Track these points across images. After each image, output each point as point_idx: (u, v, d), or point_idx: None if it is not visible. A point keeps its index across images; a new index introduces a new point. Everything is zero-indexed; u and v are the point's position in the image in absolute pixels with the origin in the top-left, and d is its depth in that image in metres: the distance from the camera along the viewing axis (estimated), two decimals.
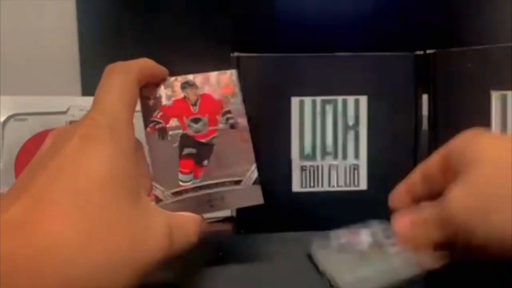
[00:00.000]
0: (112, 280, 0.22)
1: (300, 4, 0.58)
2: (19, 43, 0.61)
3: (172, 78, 0.32)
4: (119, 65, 0.29)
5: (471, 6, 0.58)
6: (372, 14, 0.57)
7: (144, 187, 0.29)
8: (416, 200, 0.31)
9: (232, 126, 0.32)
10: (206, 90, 0.32)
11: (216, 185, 0.31)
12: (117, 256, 0.22)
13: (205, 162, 0.31)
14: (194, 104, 0.32)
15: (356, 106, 0.42)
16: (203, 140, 0.32)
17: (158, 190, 0.30)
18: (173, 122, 0.32)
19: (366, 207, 0.39)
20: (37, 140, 0.45)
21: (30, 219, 0.21)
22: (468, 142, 0.27)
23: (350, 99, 0.42)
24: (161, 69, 0.32)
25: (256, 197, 0.31)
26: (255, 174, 0.31)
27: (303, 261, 0.32)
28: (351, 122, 0.42)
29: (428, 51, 0.42)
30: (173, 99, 0.32)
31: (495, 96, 0.40)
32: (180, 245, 0.27)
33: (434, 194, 0.29)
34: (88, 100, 0.47)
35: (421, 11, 0.57)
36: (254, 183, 0.31)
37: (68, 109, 0.45)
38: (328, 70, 0.42)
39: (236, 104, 0.32)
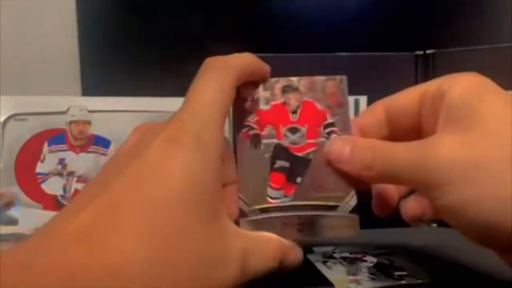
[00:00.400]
0: None
1: (300, 4, 0.58)
2: (19, 43, 0.61)
3: (273, 80, 0.29)
4: (218, 61, 0.26)
5: (471, 6, 0.57)
6: (372, 14, 0.57)
7: (226, 201, 0.25)
8: None
9: None
10: (310, 96, 0.29)
11: (308, 207, 0.27)
12: (185, 283, 0.20)
13: (298, 179, 0.28)
14: (294, 112, 0.29)
15: (356, 106, 0.42)
16: (299, 154, 0.28)
17: (243, 203, 0.27)
18: (268, 130, 0.28)
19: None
20: (37, 140, 0.45)
21: (98, 232, 0.19)
22: (474, 95, 0.24)
23: (350, 99, 0.41)
24: (264, 68, 0.29)
25: (352, 228, 0.27)
26: (354, 201, 0.27)
27: (302, 260, 0.32)
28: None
29: (428, 51, 0.42)
30: (271, 103, 0.29)
31: None
32: (256, 270, 0.24)
33: (394, 138, 0.27)
34: (88, 100, 0.47)
35: (421, 11, 0.57)
36: (352, 211, 0.27)
37: (68, 109, 0.45)
38: (328, 70, 0.42)
39: (341, 116, 0.28)
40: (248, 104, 0.28)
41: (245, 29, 0.58)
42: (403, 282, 0.28)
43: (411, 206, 0.28)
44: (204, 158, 0.22)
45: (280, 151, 0.28)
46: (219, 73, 0.25)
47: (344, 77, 0.29)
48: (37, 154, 0.45)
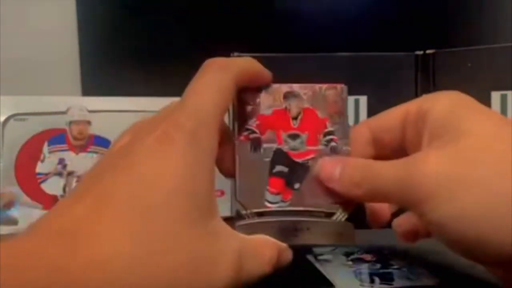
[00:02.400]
0: None
1: (300, 4, 0.58)
2: (19, 43, 0.61)
3: (276, 85, 0.29)
4: (218, 62, 0.25)
5: (471, 6, 0.58)
6: (372, 14, 0.57)
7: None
8: None
9: (333, 150, 0.28)
10: (311, 104, 0.29)
11: (305, 213, 0.27)
12: (172, 281, 0.20)
13: (297, 185, 0.28)
14: (295, 118, 0.29)
15: (356, 106, 0.42)
16: (298, 160, 0.28)
17: (240, 206, 0.27)
18: (269, 134, 0.28)
19: None
20: (37, 140, 0.45)
21: (86, 228, 0.19)
22: (455, 112, 0.24)
23: (350, 99, 0.42)
24: (265, 73, 0.29)
25: (347, 236, 0.28)
26: (350, 210, 0.28)
27: (303, 261, 0.32)
28: (351, 122, 0.42)
29: (428, 51, 0.42)
30: (273, 108, 0.28)
31: (495, 96, 0.40)
32: (250, 273, 0.23)
33: (381, 158, 0.27)
34: (88, 100, 0.47)
35: (421, 11, 0.57)
36: (348, 219, 0.28)
37: (68, 109, 0.45)
38: (328, 70, 0.42)
39: (341, 125, 0.28)
40: (249, 108, 0.28)
41: (245, 29, 0.58)
42: (407, 283, 0.28)
43: (401, 223, 0.29)
44: (198, 158, 0.22)
45: (279, 156, 0.28)
46: (218, 74, 0.25)
47: (345, 87, 0.29)
48: (37, 154, 0.45)
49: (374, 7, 0.57)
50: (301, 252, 0.34)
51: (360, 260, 0.32)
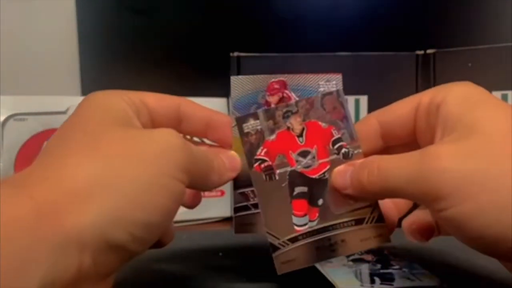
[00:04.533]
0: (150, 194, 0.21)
1: (300, 4, 0.58)
2: (19, 43, 0.61)
3: (272, 108, 0.28)
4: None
5: (471, 6, 0.58)
6: (373, 14, 0.57)
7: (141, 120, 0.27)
8: None
9: (346, 156, 0.28)
10: (312, 116, 0.28)
11: (335, 226, 0.27)
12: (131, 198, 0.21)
13: (320, 201, 0.28)
14: (300, 135, 0.28)
15: (356, 106, 0.42)
16: (314, 176, 0.28)
17: (272, 237, 0.27)
18: (279, 159, 0.28)
19: None
20: (37, 140, 0.45)
21: (50, 155, 0.22)
22: (468, 105, 0.24)
23: (350, 99, 0.42)
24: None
25: (382, 237, 0.27)
26: (378, 211, 0.27)
27: None
28: None
29: (428, 51, 0.42)
30: (276, 132, 0.28)
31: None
32: (199, 181, 0.25)
33: (390, 150, 0.27)
34: None
35: (421, 11, 0.57)
36: (378, 221, 0.27)
37: (68, 109, 0.45)
38: (328, 70, 0.42)
39: (346, 128, 0.28)
40: (253, 138, 0.28)
41: (245, 29, 0.58)
42: (407, 283, 0.28)
43: (413, 221, 0.28)
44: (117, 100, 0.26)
45: (296, 178, 0.28)
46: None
47: (340, 90, 0.29)
48: (37, 154, 0.45)
49: (374, 7, 0.57)
50: None
51: (360, 260, 0.32)
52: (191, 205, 0.29)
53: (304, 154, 0.28)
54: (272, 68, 0.42)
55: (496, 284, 0.29)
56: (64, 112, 0.45)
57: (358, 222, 0.27)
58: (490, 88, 0.40)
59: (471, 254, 0.24)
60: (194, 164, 0.24)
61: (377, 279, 0.28)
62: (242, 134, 0.28)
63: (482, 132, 0.22)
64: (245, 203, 0.29)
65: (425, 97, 0.26)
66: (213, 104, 0.51)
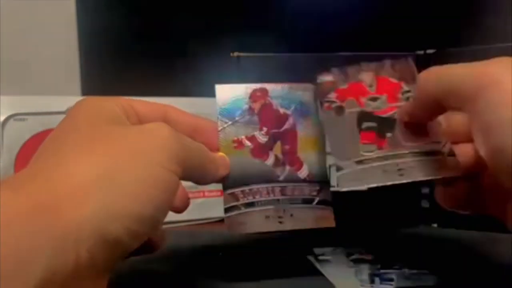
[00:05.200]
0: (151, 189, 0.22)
1: (299, 4, 0.58)
2: (19, 43, 0.61)
3: (344, 67, 0.31)
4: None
5: (471, 6, 0.58)
6: (373, 14, 0.57)
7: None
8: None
9: None
10: (382, 73, 0.31)
11: (406, 155, 0.28)
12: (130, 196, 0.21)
13: (389, 134, 0.29)
14: (370, 86, 0.31)
15: None
16: (383, 115, 0.30)
17: (337, 160, 0.29)
18: (349, 102, 0.30)
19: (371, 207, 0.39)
20: (37, 140, 0.45)
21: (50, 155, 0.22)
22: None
23: None
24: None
25: (453, 170, 0.28)
26: (449, 145, 0.28)
27: (303, 261, 0.32)
28: None
29: (428, 51, 0.42)
30: (347, 82, 0.31)
31: None
32: (194, 171, 0.26)
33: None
34: None
35: (421, 11, 0.57)
36: (450, 154, 0.28)
37: (68, 109, 0.45)
38: (328, 70, 0.42)
39: (415, 88, 0.29)
40: (326, 86, 0.31)
41: (245, 29, 0.58)
42: (407, 283, 0.28)
43: (464, 152, 0.28)
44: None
45: (365, 115, 0.30)
46: None
47: (409, 57, 0.31)
48: None
49: (374, 7, 0.57)
50: (302, 253, 0.34)
51: (360, 260, 0.32)
52: (179, 207, 0.29)
53: (374, 99, 0.30)
54: (272, 68, 0.42)
55: (496, 284, 0.29)
56: (64, 112, 0.45)
57: (429, 153, 0.28)
58: None
59: (472, 254, 0.24)
60: (188, 154, 0.25)
61: (377, 279, 0.28)
62: (316, 84, 0.31)
63: None
64: (235, 203, 0.30)
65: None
66: (213, 104, 0.51)
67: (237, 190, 0.30)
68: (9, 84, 0.57)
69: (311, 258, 0.33)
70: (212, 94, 0.49)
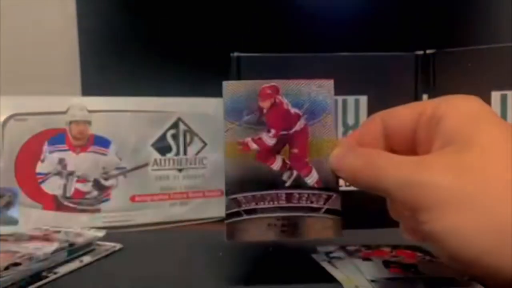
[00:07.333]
0: None
1: (299, 4, 0.58)
2: (19, 43, 0.61)
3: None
4: None
5: (471, 6, 0.58)
6: (373, 14, 0.57)
7: None
8: None
9: None
10: None
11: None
12: None
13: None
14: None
15: (356, 106, 0.42)
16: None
17: None
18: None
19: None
20: (37, 140, 0.45)
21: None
22: (470, 124, 0.24)
23: (350, 99, 0.42)
24: None
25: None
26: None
27: (304, 261, 0.32)
28: (351, 122, 0.42)
29: (428, 51, 0.42)
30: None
31: (495, 96, 0.40)
32: None
33: (391, 151, 0.27)
34: (88, 100, 0.47)
35: (421, 11, 0.57)
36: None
37: (68, 109, 0.45)
38: (328, 70, 0.42)
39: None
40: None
41: (245, 29, 0.58)
42: (407, 283, 0.28)
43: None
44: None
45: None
46: None
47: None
48: (37, 154, 0.45)
49: (374, 7, 0.57)
50: (306, 251, 0.34)
51: (365, 257, 0.32)
52: None
53: None
54: (272, 68, 0.42)
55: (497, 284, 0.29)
56: (64, 112, 0.45)
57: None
58: (489, 88, 0.40)
59: None
60: None
61: (377, 279, 0.28)
62: None
63: (477, 153, 0.22)
64: (237, 209, 0.28)
65: (429, 106, 0.26)
66: (213, 104, 0.51)
67: (239, 196, 0.28)
68: (9, 84, 0.57)
69: (315, 256, 0.33)
70: (212, 94, 0.48)
